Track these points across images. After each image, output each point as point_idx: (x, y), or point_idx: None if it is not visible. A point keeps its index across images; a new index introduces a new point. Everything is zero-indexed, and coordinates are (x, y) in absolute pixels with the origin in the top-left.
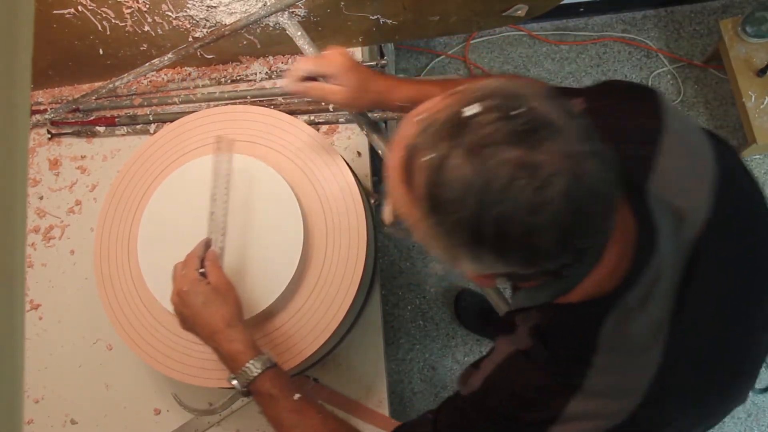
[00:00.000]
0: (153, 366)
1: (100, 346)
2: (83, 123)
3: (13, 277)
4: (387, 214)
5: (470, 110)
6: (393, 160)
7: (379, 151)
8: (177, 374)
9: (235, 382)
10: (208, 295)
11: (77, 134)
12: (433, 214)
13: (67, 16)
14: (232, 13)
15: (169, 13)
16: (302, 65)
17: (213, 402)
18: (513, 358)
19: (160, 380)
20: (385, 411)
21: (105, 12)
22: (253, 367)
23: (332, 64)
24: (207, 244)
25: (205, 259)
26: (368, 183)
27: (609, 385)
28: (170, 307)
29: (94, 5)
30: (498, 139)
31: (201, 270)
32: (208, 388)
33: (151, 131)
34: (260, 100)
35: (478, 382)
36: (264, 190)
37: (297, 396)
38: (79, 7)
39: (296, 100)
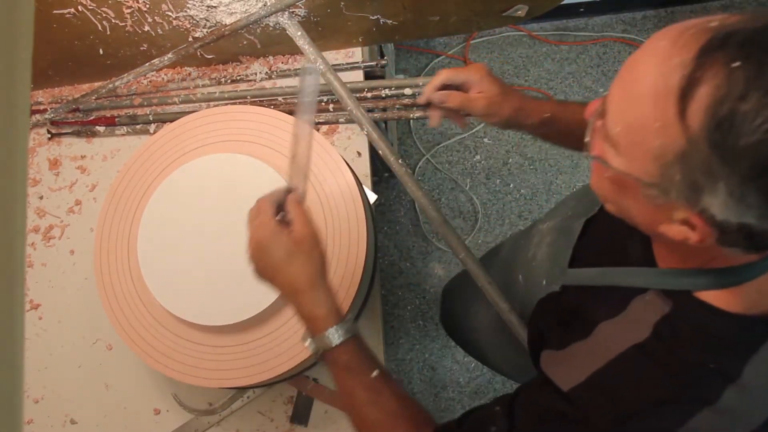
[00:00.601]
0: (153, 366)
1: (100, 346)
2: (83, 123)
3: (13, 277)
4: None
5: None
6: (663, 67)
7: (380, 152)
8: (177, 374)
9: (309, 344)
10: (291, 249)
11: (77, 134)
12: (716, 134)
13: (67, 16)
14: (232, 13)
15: (169, 13)
16: (443, 74)
17: (213, 402)
18: (630, 355)
19: (160, 380)
20: None
21: (105, 12)
22: (334, 337)
23: (473, 71)
24: (287, 191)
25: (287, 202)
26: (368, 183)
27: (740, 406)
28: (170, 308)
29: (94, 5)
30: None
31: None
32: (207, 388)
33: (151, 131)
34: (260, 100)
35: (580, 375)
36: (264, 190)
37: (375, 373)
38: (79, 7)
39: (296, 101)
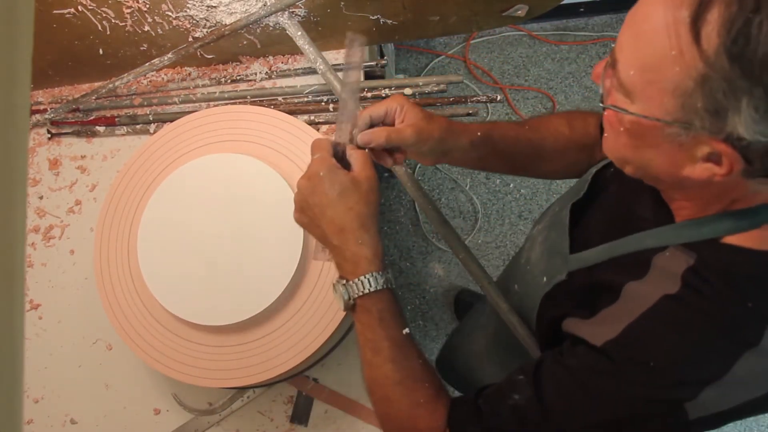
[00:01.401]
0: (153, 366)
1: (100, 346)
2: (83, 123)
3: (13, 277)
4: None
5: None
6: (669, 0)
7: None
8: (177, 374)
9: (343, 290)
10: (347, 186)
11: (77, 134)
12: (734, 48)
13: (67, 16)
14: (232, 13)
15: (169, 13)
16: (363, 114)
17: (213, 402)
18: (663, 305)
19: (160, 380)
20: None
21: (105, 12)
22: (374, 281)
23: (392, 101)
24: (336, 143)
25: (348, 147)
26: None
27: None
28: (171, 308)
29: (94, 5)
30: None
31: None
32: (207, 388)
33: (151, 131)
34: (260, 100)
35: (614, 331)
36: (264, 190)
37: (406, 331)
38: (79, 7)
39: (296, 101)
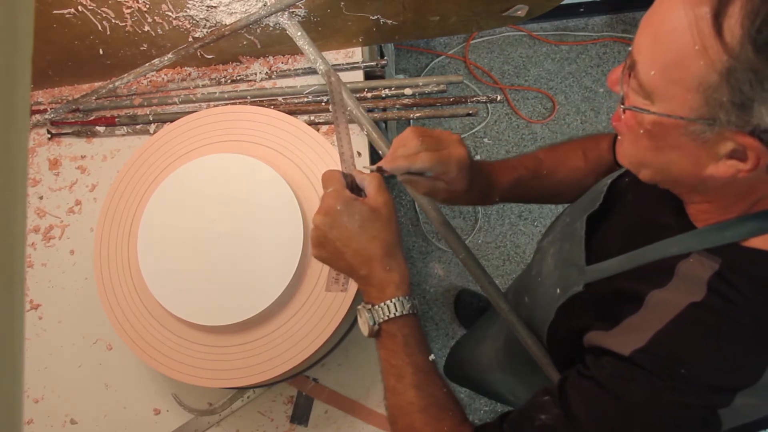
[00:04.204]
0: (152, 366)
1: (100, 346)
2: (83, 123)
3: (13, 277)
4: None
5: None
6: None
7: (380, 152)
8: (177, 374)
9: (369, 315)
10: (367, 215)
11: (77, 134)
12: (759, 37)
13: (67, 16)
14: (232, 13)
15: (169, 13)
16: (417, 162)
17: (213, 402)
18: (691, 312)
19: (160, 380)
20: (384, 411)
21: (105, 12)
22: (399, 305)
23: (450, 160)
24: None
25: (356, 174)
26: None
27: None
28: (170, 308)
29: (94, 5)
30: None
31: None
32: (207, 388)
33: (151, 131)
34: (260, 100)
35: (641, 339)
36: (264, 190)
37: (432, 357)
38: (79, 7)
39: (296, 101)
